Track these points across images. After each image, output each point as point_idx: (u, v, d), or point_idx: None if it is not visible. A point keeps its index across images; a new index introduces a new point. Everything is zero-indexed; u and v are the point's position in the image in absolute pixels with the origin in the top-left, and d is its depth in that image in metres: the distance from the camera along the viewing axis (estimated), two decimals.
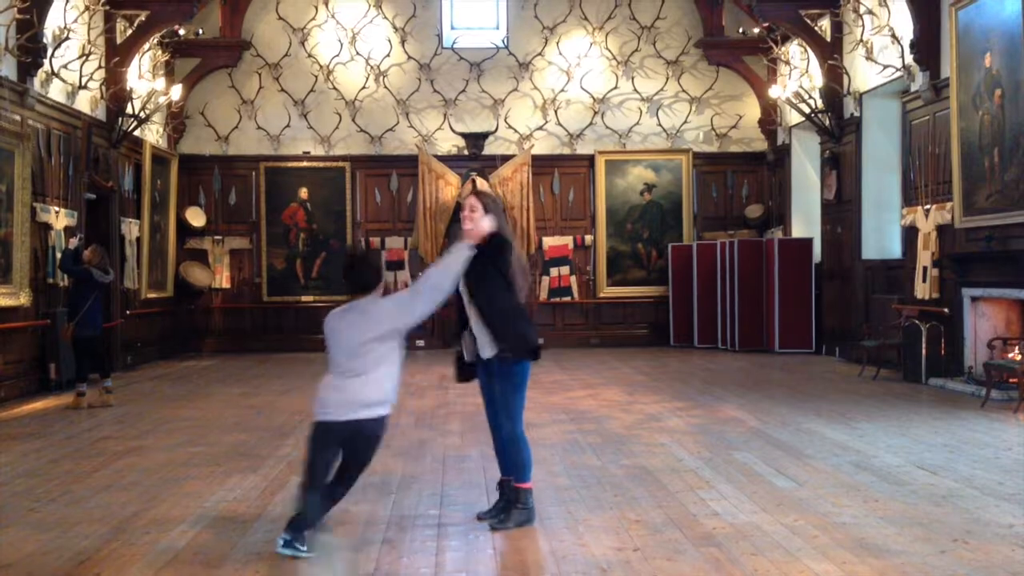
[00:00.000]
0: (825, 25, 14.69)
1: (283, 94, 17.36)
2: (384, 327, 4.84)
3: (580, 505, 5.89)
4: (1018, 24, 9.96)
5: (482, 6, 17.78)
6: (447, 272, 4.94)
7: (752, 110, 17.60)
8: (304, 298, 17.20)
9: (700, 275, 16.75)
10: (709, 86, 17.65)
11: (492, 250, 5.28)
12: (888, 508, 5.71)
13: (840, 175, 14.74)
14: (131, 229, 14.75)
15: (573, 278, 17.52)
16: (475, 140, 17.20)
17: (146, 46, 14.99)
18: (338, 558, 4.77)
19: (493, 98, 17.45)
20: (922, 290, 12.06)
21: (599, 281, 17.55)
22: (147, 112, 14.65)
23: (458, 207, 15.83)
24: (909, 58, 12.35)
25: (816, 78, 14.98)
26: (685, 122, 17.66)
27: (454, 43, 17.50)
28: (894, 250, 13.91)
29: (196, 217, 17.05)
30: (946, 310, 11.54)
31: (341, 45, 17.36)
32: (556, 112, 17.54)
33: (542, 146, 17.50)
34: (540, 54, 17.53)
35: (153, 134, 15.91)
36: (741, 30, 16.94)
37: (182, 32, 16.01)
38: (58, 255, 11.66)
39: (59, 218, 12.22)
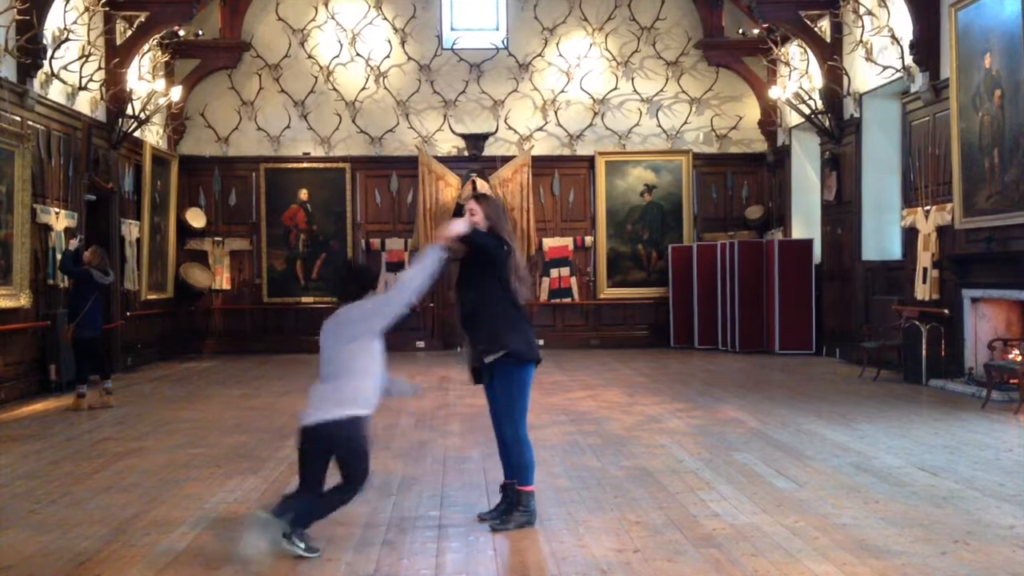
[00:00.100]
0: (825, 26, 14.69)
1: (283, 95, 17.36)
2: (358, 329, 5.00)
3: (580, 506, 5.89)
4: (1018, 25, 9.96)
5: (482, 7, 17.79)
6: (418, 273, 5.08)
7: (752, 111, 17.61)
8: (304, 299, 17.20)
9: (700, 276, 16.75)
10: (709, 87, 17.66)
11: (480, 252, 5.32)
12: (889, 509, 5.71)
13: (840, 176, 14.74)
14: (131, 230, 14.76)
15: (573, 279, 17.52)
16: (475, 141, 17.20)
17: (146, 47, 15.00)
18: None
19: (493, 99, 17.46)
20: (922, 291, 12.05)
21: (599, 282, 17.55)
22: (147, 113, 14.65)
23: (458, 208, 15.85)
24: (909, 59, 12.35)
25: (816, 79, 14.98)
26: (685, 123, 17.67)
27: (454, 44, 17.51)
28: (894, 251, 13.91)
29: (196, 218, 17.05)
30: (946, 311, 11.54)
31: (341, 46, 17.36)
32: (556, 113, 17.54)
33: (542, 147, 17.51)
34: (540, 55, 17.54)
35: (153, 135, 15.92)
36: (741, 31, 16.94)
37: (182, 33, 16.00)
38: (58, 256, 11.66)
39: (59, 219, 12.22)
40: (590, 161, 17.52)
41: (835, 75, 14.44)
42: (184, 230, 16.90)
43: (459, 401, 10.59)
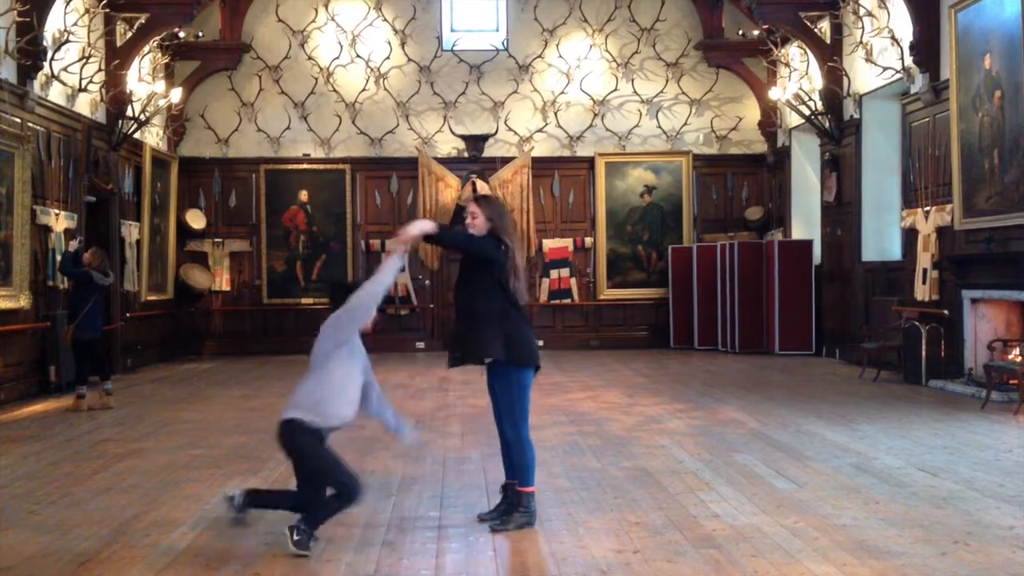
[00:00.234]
0: (825, 27, 14.69)
1: (283, 96, 17.37)
2: (329, 342, 5.15)
3: (580, 507, 5.89)
4: (1018, 26, 9.97)
5: (482, 8, 17.80)
6: (375, 285, 5.16)
7: (752, 112, 17.61)
8: (304, 300, 17.19)
9: (700, 277, 16.76)
10: (709, 88, 17.66)
11: (475, 254, 5.38)
12: (888, 510, 5.71)
13: (840, 177, 14.75)
14: (131, 231, 14.76)
15: (573, 280, 17.52)
16: (475, 142, 17.21)
17: (146, 49, 14.99)
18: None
19: (493, 100, 17.46)
20: (922, 292, 12.06)
21: (599, 283, 17.55)
22: (147, 115, 14.66)
23: (458, 209, 15.86)
24: (909, 60, 12.36)
25: (816, 80, 14.98)
26: (685, 124, 17.67)
27: (454, 45, 17.52)
28: (894, 252, 13.92)
29: (196, 219, 17.05)
30: (946, 312, 11.54)
31: (341, 47, 17.37)
32: (556, 114, 17.54)
33: (542, 148, 17.51)
34: (540, 56, 17.54)
35: (153, 137, 15.92)
36: (741, 32, 16.95)
37: (182, 35, 16.01)
38: (58, 257, 11.66)
39: (59, 221, 12.22)
40: (590, 162, 17.53)
41: (835, 76, 14.44)
42: (184, 231, 16.90)
43: (459, 402, 10.59)
